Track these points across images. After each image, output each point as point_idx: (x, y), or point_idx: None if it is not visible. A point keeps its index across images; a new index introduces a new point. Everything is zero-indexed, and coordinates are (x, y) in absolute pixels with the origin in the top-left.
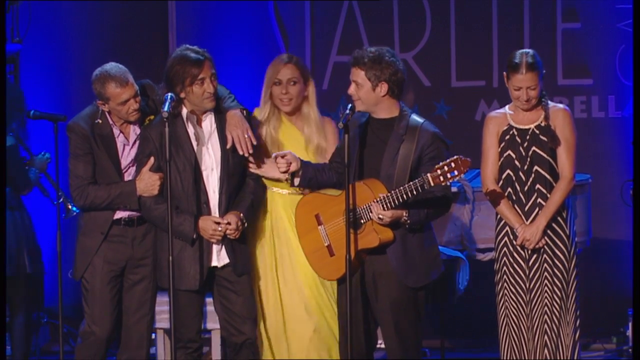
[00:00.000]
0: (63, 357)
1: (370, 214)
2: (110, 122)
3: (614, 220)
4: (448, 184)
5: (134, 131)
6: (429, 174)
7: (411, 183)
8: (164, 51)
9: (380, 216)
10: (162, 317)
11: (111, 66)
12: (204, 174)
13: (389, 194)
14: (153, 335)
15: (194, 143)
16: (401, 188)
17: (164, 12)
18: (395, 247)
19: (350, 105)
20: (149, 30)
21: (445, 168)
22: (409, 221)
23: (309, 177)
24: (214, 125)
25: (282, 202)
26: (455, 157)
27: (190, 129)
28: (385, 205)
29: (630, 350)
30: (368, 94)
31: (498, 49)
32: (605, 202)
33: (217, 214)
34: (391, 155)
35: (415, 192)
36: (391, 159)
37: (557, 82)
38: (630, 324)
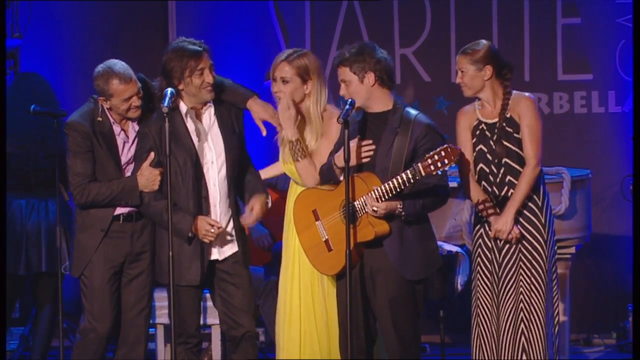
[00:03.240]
0: (63, 353)
1: (365, 207)
2: (111, 119)
3: (614, 215)
4: (439, 172)
5: (133, 128)
6: (419, 164)
7: (403, 174)
8: (164, 50)
9: (375, 208)
10: (162, 313)
11: (114, 62)
12: (205, 167)
13: (382, 186)
14: (152, 331)
15: (194, 137)
16: (394, 179)
17: (164, 11)
18: (392, 240)
19: (350, 100)
20: (149, 29)
21: (436, 157)
22: (403, 213)
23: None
24: (214, 118)
25: None
26: (444, 145)
27: (190, 124)
28: (379, 197)
29: (630, 345)
30: (358, 88)
31: (498, 44)
32: (605, 197)
33: (217, 207)
34: (386, 148)
35: (407, 183)
36: (386, 152)
37: (557, 77)
38: (630, 319)
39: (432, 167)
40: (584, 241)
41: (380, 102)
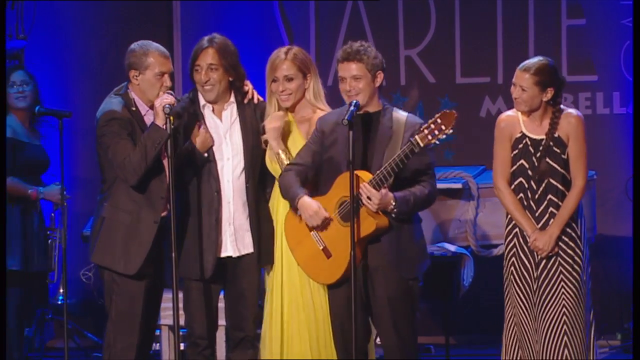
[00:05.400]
0: (68, 354)
1: (360, 197)
2: (142, 110)
3: (619, 216)
4: (438, 142)
5: None
6: (416, 136)
7: (400, 151)
8: (169, 50)
9: (369, 196)
10: (167, 314)
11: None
12: (219, 164)
13: (380, 170)
14: (157, 332)
15: (211, 132)
16: (391, 159)
17: (168, 11)
18: (390, 238)
19: (355, 102)
20: (153, 29)
21: (432, 126)
22: (395, 210)
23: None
24: (235, 116)
25: None
26: (440, 112)
27: (208, 118)
28: (378, 183)
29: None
30: (368, 86)
31: (503, 45)
32: (609, 198)
33: (230, 204)
34: (381, 148)
35: (406, 160)
36: (381, 153)
37: None
38: None
39: (430, 137)
40: (589, 242)
41: (375, 102)
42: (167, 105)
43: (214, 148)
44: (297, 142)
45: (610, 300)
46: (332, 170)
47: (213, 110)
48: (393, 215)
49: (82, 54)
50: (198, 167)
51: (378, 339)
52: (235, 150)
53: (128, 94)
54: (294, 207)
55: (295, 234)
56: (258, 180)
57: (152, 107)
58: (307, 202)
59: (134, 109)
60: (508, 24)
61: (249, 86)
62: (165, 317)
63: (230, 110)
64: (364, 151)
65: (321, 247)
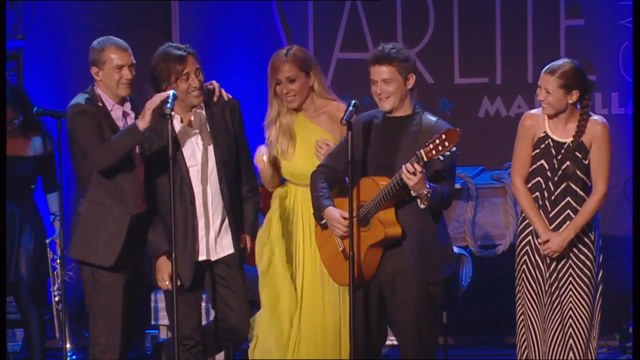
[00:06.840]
0: (66, 354)
1: (402, 175)
2: (109, 105)
3: (618, 216)
4: (441, 158)
5: (129, 114)
6: (422, 150)
7: (405, 164)
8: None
9: (411, 170)
10: (164, 315)
11: (113, 37)
12: (191, 170)
13: (388, 183)
14: (156, 332)
15: (181, 140)
16: (397, 174)
17: (167, 12)
18: (412, 242)
19: (353, 102)
20: (152, 30)
21: (437, 141)
22: (429, 196)
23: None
24: (205, 120)
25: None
26: (445, 129)
27: (177, 126)
28: (387, 194)
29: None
30: (400, 89)
31: (501, 45)
32: (608, 199)
33: (208, 208)
34: (405, 152)
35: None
36: (406, 156)
37: None
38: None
39: (434, 152)
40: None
41: (406, 105)
42: (168, 107)
43: (187, 156)
44: (315, 135)
45: (609, 301)
46: (357, 172)
47: (181, 120)
48: (425, 202)
49: (81, 54)
50: (174, 177)
51: (394, 341)
52: (208, 155)
53: (94, 91)
54: (318, 216)
55: (322, 233)
56: (234, 179)
57: (120, 102)
58: (330, 213)
59: (100, 104)
60: (507, 24)
61: (214, 85)
62: (163, 317)
63: (200, 116)
64: (390, 156)
65: (340, 249)
